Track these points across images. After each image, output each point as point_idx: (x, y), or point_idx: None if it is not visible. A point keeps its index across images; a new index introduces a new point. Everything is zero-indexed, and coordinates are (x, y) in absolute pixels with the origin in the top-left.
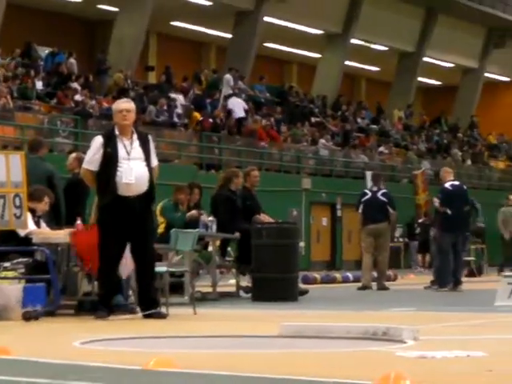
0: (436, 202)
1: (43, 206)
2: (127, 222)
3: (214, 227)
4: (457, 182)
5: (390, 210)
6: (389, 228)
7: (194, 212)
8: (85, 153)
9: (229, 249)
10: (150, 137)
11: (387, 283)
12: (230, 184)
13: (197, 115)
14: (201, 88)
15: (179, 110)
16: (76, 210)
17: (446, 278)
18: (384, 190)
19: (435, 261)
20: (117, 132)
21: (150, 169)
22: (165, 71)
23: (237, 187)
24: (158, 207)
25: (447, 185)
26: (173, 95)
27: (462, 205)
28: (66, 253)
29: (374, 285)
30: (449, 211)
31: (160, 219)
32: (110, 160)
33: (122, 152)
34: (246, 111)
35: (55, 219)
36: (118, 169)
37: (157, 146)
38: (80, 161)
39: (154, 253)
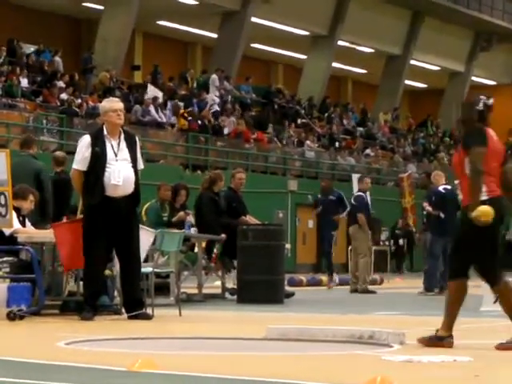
0: (426, 206)
1: (28, 204)
2: (113, 223)
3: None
4: (449, 186)
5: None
6: (359, 231)
7: (181, 214)
8: (70, 152)
9: (215, 250)
10: (137, 138)
11: (373, 287)
12: (214, 186)
13: (184, 112)
14: (187, 88)
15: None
16: (60, 208)
17: (434, 282)
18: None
19: (425, 264)
20: (105, 132)
21: (136, 170)
22: (153, 70)
23: (219, 189)
24: (144, 208)
25: (440, 188)
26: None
27: (454, 209)
28: (51, 252)
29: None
30: (442, 215)
31: (145, 219)
32: (97, 160)
33: (109, 152)
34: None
35: (42, 217)
36: (106, 169)
37: (143, 145)
38: (56, 160)
39: (139, 254)
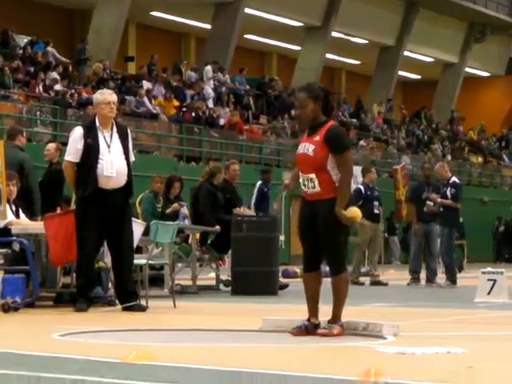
0: (436, 198)
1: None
2: (105, 215)
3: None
4: None
5: None
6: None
7: (175, 205)
8: (64, 143)
9: (209, 241)
10: (129, 130)
11: (364, 279)
12: (213, 179)
13: (174, 103)
14: (180, 79)
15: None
16: (55, 200)
17: (455, 273)
18: None
19: (445, 258)
20: (98, 123)
21: (129, 162)
22: (149, 61)
23: (218, 182)
24: (138, 198)
25: (456, 179)
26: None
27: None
28: (45, 244)
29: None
30: (459, 206)
31: (139, 210)
32: (90, 152)
33: (102, 144)
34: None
35: (28, 208)
36: (99, 161)
37: (136, 137)
38: (60, 151)
39: (132, 245)
